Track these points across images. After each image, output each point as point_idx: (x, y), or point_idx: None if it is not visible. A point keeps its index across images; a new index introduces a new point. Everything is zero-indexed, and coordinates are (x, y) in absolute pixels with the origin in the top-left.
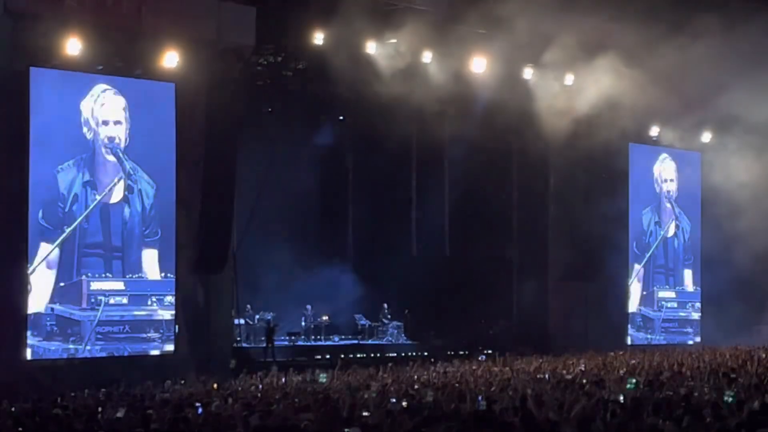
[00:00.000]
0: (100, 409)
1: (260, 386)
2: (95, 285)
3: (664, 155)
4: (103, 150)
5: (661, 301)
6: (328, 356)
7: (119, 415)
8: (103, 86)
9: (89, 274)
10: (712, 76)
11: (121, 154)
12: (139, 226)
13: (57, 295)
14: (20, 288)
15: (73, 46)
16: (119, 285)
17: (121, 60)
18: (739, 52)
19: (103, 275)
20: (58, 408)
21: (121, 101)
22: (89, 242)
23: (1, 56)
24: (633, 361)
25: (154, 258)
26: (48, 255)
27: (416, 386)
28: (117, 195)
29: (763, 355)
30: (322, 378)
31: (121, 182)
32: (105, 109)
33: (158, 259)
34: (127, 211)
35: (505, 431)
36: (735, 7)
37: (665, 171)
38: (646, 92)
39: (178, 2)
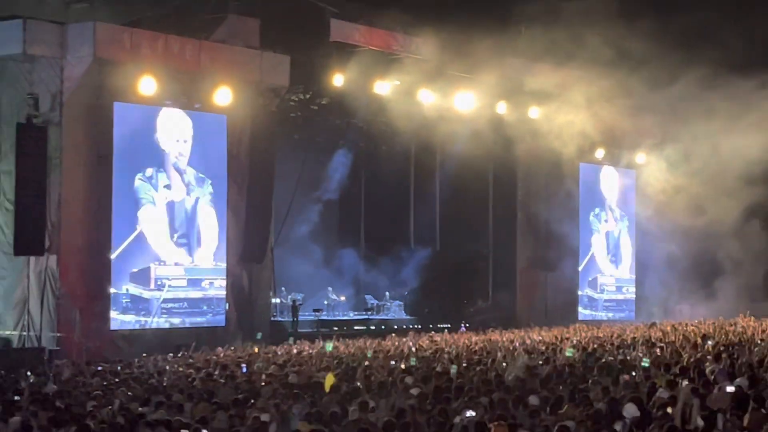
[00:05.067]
0: (167, 368)
1: (294, 351)
2: (160, 270)
3: (606, 171)
4: (176, 162)
5: (602, 285)
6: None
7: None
8: (176, 110)
9: (156, 262)
10: (645, 112)
11: (187, 166)
12: (198, 222)
13: (132, 278)
14: (105, 273)
15: (147, 85)
16: (180, 271)
17: (185, 96)
18: (669, 95)
19: (167, 263)
20: (135, 368)
21: (189, 122)
22: (161, 231)
23: (92, 93)
24: (583, 334)
25: (211, 247)
26: (126, 244)
27: (414, 350)
28: (183, 196)
29: (686, 327)
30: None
31: (187, 188)
32: (176, 128)
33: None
34: (191, 209)
35: (479, 388)
36: (667, 62)
37: (607, 184)
38: (593, 123)
39: (229, 51)
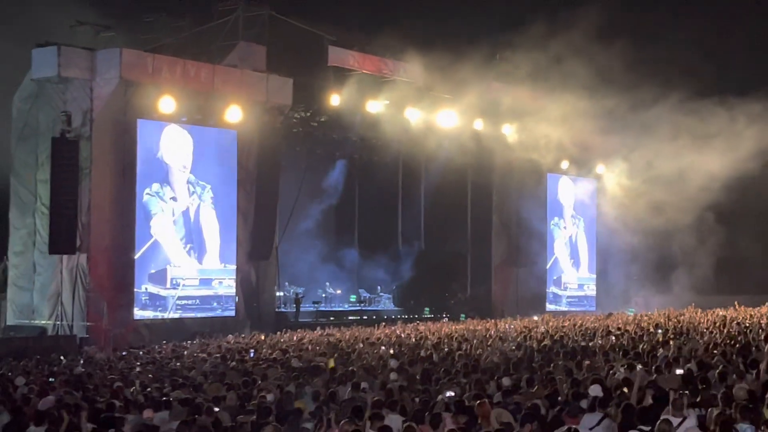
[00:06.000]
0: (185, 353)
1: (294, 338)
2: (175, 272)
3: (564, 180)
4: (180, 174)
5: (565, 284)
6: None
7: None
8: (176, 127)
9: (172, 264)
10: (604, 130)
11: (193, 177)
12: (202, 228)
13: (150, 279)
14: (129, 269)
15: (166, 104)
16: (192, 272)
17: (200, 114)
18: (629, 118)
19: (181, 265)
20: (156, 353)
21: (188, 137)
22: (172, 239)
23: (118, 111)
24: (550, 323)
25: (216, 250)
26: (144, 249)
27: (402, 336)
28: (193, 206)
29: (641, 317)
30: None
31: (196, 197)
32: (178, 144)
33: (220, 251)
34: (194, 216)
35: (457, 371)
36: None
37: (572, 191)
38: (562, 138)
39: (239, 74)
